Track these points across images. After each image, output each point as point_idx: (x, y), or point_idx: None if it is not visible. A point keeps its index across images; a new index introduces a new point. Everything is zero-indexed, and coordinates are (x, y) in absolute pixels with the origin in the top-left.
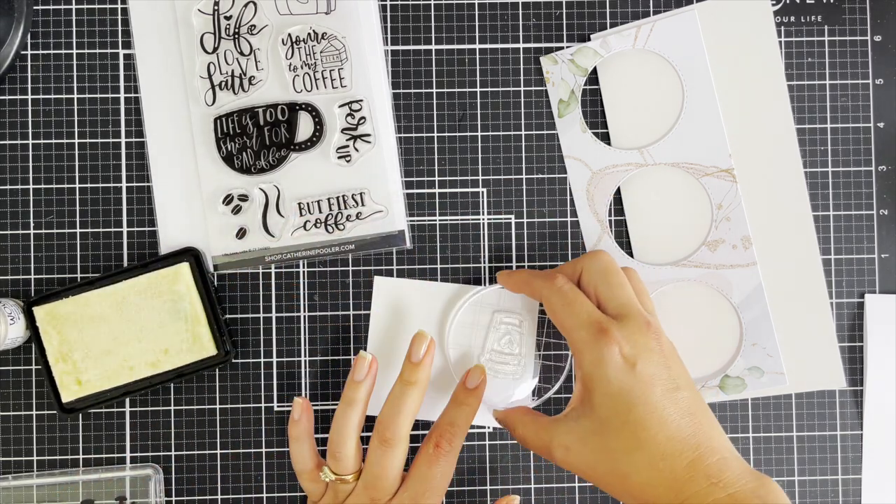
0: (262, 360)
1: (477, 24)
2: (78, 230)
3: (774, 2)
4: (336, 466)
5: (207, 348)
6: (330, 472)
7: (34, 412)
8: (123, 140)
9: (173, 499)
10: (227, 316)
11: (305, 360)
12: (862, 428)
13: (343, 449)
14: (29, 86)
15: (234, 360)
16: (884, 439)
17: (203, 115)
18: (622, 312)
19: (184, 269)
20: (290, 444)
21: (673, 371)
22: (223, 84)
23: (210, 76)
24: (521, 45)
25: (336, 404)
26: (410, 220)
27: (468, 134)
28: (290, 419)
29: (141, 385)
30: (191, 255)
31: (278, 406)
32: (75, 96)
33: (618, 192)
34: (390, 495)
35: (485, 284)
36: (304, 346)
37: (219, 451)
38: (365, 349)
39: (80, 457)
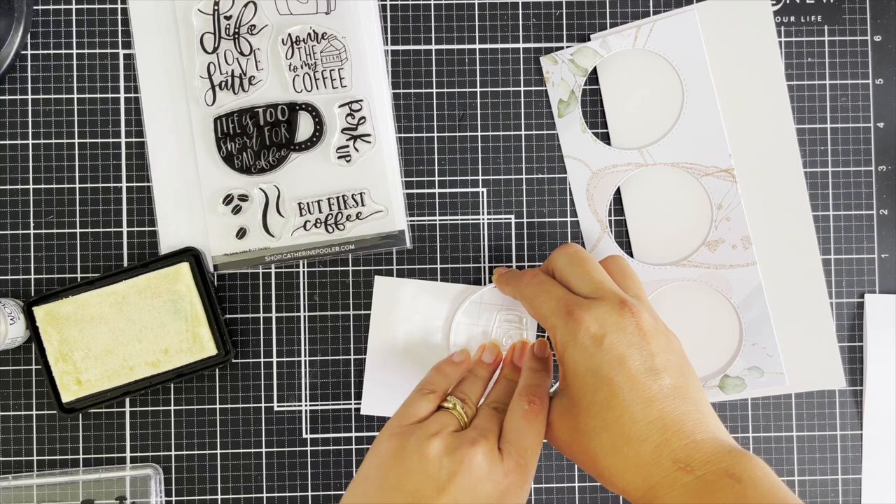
0: (262, 360)
1: (477, 24)
2: (78, 230)
3: (774, 2)
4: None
5: (207, 348)
6: (458, 401)
7: (34, 412)
8: (123, 140)
9: (173, 499)
10: (227, 316)
11: (305, 360)
12: (862, 428)
13: (472, 396)
14: (29, 86)
15: (234, 360)
16: (884, 439)
17: (203, 115)
18: (594, 294)
19: (184, 268)
20: (439, 364)
21: (647, 351)
22: (223, 84)
23: (210, 76)
24: (521, 45)
25: (336, 403)
26: (410, 220)
27: (468, 134)
28: (455, 355)
29: (141, 385)
30: (191, 255)
31: (278, 406)
32: (75, 96)
33: (618, 192)
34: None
35: (485, 284)
36: (304, 346)
37: (219, 451)
38: (365, 349)
39: (80, 457)
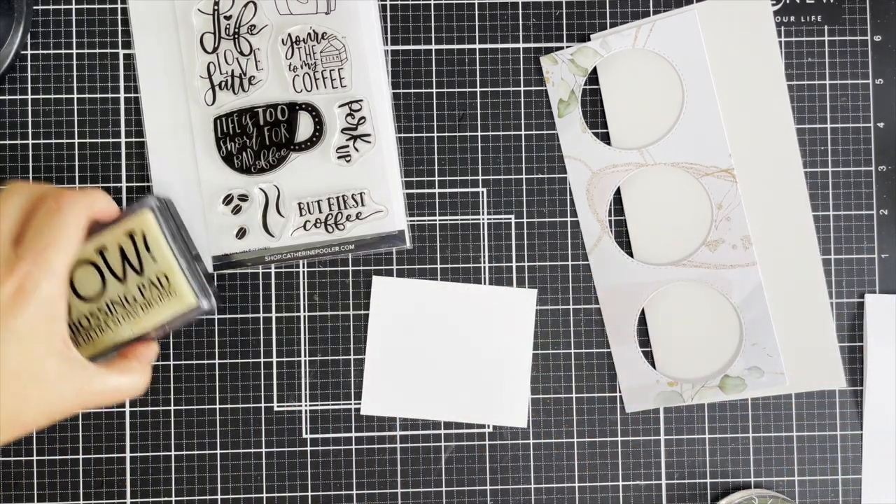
0: (262, 360)
1: (477, 24)
2: None
3: (774, 2)
4: None
5: (187, 300)
6: None
7: None
8: (123, 140)
9: (173, 499)
10: (227, 316)
11: (305, 360)
12: (862, 428)
13: None
14: (29, 86)
15: (232, 361)
16: (884, 439)
17: (203, 115)
18: None
19: (148, 219)
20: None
21: None
22: (223, 84)
23: (210, 76)
24: (521, 45)
25: (336, 403)
26: (410, 220)
27: (468, 134)
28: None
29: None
30: (156, 201)
31: (278, 406)
32: (75, 96)
33: (618, 192)
34: None
35: (484, 283)
36: (304, 346)
37: (219, 451)
38: (365, 349)
39: (80, 457)
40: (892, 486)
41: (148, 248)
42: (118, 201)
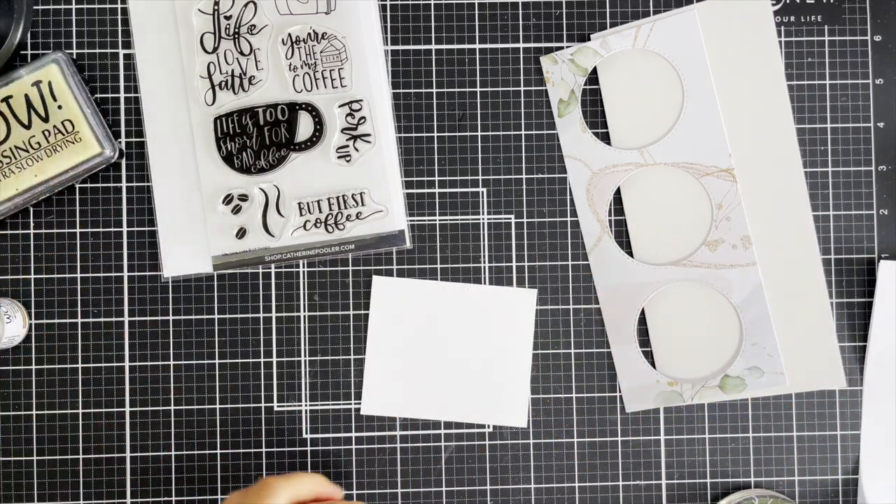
0: (262, 360)
1: (477, 24)
2: (78, 230)
3: (774, 2)
4: None
5: (91, 146)
6: None
7: (34, 412)
8: (123, 140)
9: (173, 499)
10: (228, 316)
11: (305, 360)
12: (861, 428)
13: None
14: None
15: (232, 361)
16: (883, 439)
17: (203, 115)
18: None
19: (53, 70)
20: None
21: None
22: (223, 84)
23: (210, 76)
24: (521, 45)
25: (336, 403)
26: (410, 220)
27: (468, 134)
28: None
29: (37, 195)
30: (63, 56)
31: (278, 406)
32: None
33: (618, 192)
34: None
35: (484, 283)
36: (304, 346)
37: (219, 451)
38: (365, 349)
39: (81, 456)
40: (892, 486)
41: (54, 97)
42: (118, 201)
